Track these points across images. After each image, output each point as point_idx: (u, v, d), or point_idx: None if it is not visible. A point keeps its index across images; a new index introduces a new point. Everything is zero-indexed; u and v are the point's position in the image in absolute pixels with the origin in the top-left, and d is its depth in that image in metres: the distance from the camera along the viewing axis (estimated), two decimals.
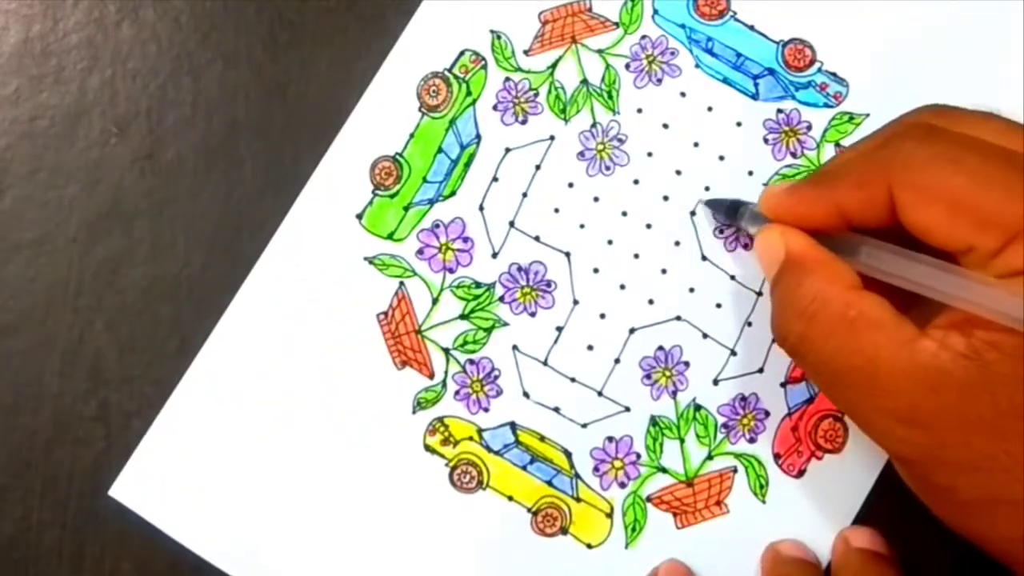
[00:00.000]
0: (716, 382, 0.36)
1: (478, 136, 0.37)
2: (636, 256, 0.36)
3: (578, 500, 0.36)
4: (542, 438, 0.36)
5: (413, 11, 0.37)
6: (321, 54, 0.37)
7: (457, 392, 0.36)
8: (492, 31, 0.37)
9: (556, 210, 0.36)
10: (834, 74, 0.37)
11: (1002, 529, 0.28)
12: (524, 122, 0.37)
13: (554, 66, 0.37)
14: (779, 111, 0.37)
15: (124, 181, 0.37)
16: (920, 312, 0.28)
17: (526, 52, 0.37)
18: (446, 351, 0.36)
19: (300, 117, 0.37)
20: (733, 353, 0.36)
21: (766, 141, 0.36)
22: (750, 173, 0.36)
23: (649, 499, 0.36)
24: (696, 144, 0.37)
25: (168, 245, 0.37)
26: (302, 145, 0.37)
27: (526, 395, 0.36)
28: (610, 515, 0.35)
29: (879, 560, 0.34)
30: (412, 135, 0.36)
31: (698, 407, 0.36)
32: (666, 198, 0.36)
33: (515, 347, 0.36)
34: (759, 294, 0.36)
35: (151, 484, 0.35)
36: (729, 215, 0.35)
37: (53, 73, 0.37)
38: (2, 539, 0.36)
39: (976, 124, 0.28)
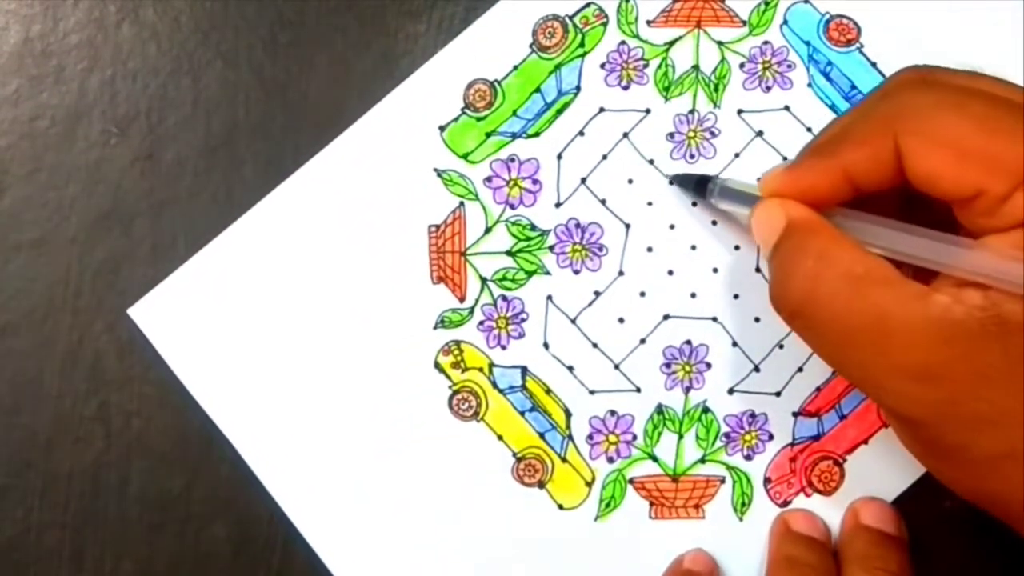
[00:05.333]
0: (731, 391, 0.36)
1: (578, 88, 0.37)
2: (693, 248, 0.36)
3: (564, 460, 0.36)
4: (548, 391, 0.36)
5: (413, 11, 0.37)
6: (321, 54, 0.37)
7: (482, 322, 0.36)
8: None
9: (630, 180, 0.36)
10: None
11: (1017, 486, 0.27)
12: (626, 88, 0.37)
13: (672, 43, 0.37)
14: None
15: (124, 181, 0.37)
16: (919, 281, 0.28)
17: (649, 22, 0.37)
18: (484, 280, 0.36)
19: (300, 117, 0.36)
20: (756, 369, 0.36)
21: None
22: None
23: (632, 481, 0.36)
24: (784, 159, 0.36)
25: (168, 245, 0.36)
26: (302, 145, 0.36)
27: (546, 346, 0.36)
28: (590, 484, 0.36)
29: (886, 541, 0.33)
30: (516, 67, 0.37)
31: (706, 409, 0.36)
32: None
33: (550, 297, 0.36)
34: None
35: (170, 316, 0.36)
36: (698, 191, 0.35)
37: (53, 73, 0.37)
38: (2, 539, 0.36)
39: (968, 79, 0.28)
